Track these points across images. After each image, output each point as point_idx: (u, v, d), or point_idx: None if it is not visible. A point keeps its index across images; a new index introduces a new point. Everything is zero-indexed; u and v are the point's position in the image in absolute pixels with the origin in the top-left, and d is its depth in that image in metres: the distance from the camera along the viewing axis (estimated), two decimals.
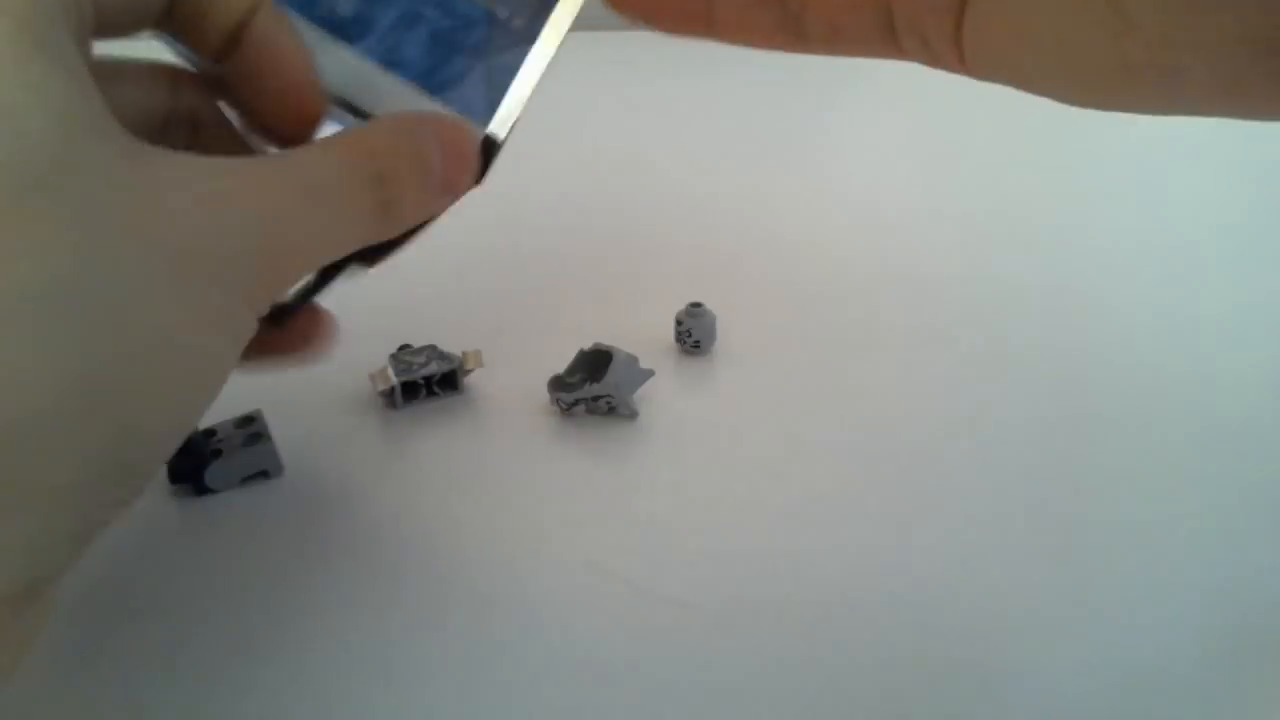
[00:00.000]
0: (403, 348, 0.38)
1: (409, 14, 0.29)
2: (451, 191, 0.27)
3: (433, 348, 0.37)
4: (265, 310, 0.23)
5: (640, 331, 0.40)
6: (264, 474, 0.34)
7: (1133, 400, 0.37)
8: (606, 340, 0.37)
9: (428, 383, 0.36)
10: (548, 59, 0.28)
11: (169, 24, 0.25)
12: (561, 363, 0.37)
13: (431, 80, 0.28)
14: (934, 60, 0.26)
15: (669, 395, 0.37)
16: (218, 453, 0.33)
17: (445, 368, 0.36)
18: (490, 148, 0.28)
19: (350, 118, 0.28)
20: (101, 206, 0.19)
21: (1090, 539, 0.31)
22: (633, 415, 0.36)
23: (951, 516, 0.32)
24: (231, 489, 0.33)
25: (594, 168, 0.55)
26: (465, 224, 0.46)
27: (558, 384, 0.36)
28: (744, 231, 0.48)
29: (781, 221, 0.49)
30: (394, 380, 0.36)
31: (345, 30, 0.28)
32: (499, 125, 0.28)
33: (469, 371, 0.37)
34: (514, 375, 0.38)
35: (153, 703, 0.27)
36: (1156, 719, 0.26)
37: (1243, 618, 0.29)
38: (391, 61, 0.28)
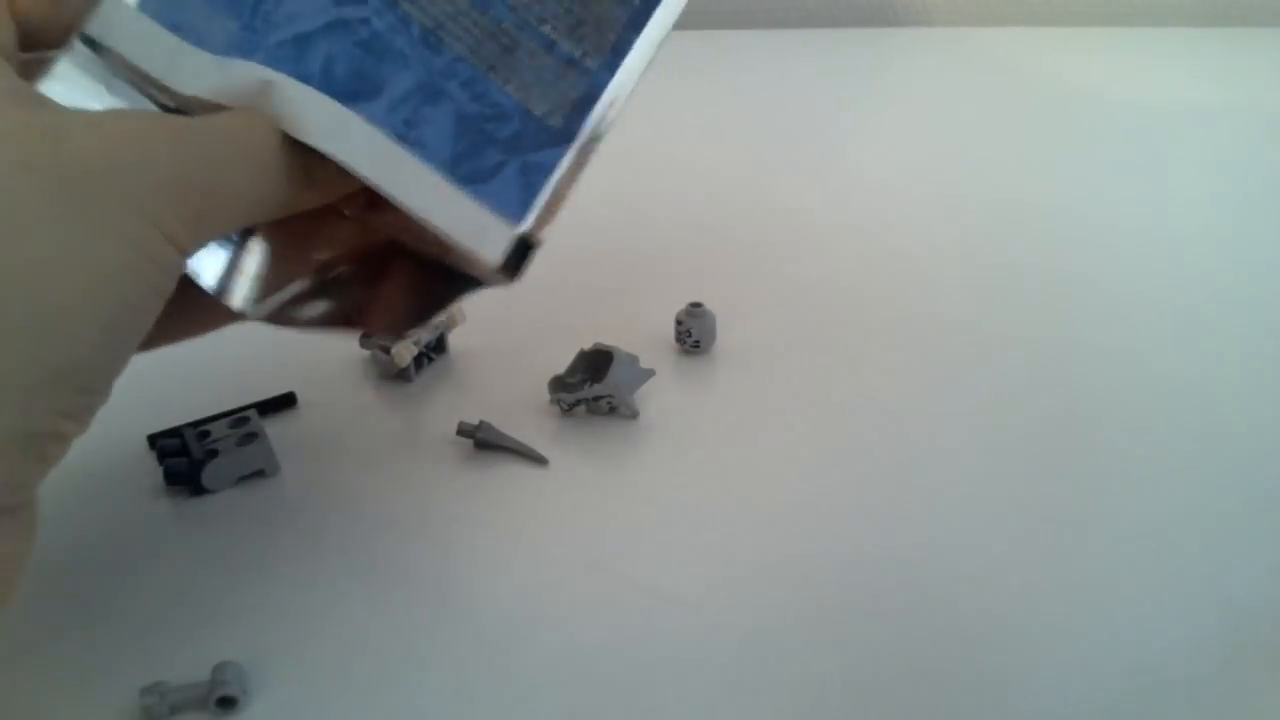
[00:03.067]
0: (366, 334, 0.39)
1: (429, 86, 0.25)
2: None
3: None
4: (192, 247, 0.23)
5: (640, 331, 0.40)
6: (260, 473, 0.33)
7: (1134, 401, 0.36)
8: (607, 340, 0.36)
9: (426, 350, 0.38)
10: (587, 160, 0.27)
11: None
12: (561, 363, 0.37)
13: (458, 170, 0.26)
14: None
15: (669, 395, 0.37)
16: (213, 453, 0.33)
17: (434, 334, 0.38)
18: (526, 250, 0.27)
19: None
20: None
21: (1092, 540, 0.31)
22: (633, 415, 0.36)
23: (952, 516, 0.32)
24: (228, 489, 0.33)
25: (594, 167, 0.55)
26: None
27: (558, 384, 0.36)
28: (744, 231, 0.48)
29: (782, 221, 0.48)
30: (414, 352, 0.37)
31: (344, 88, 0.25)
32: (535, 224, 0.26)
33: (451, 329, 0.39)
34: (514, 376, 0.38)
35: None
36: (1156, 719, 0.26)
37: (1243, 618, 0.28)
38: (407, 138, 0.25)
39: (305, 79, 0.25)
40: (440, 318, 0.39)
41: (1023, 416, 0.36)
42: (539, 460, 0.34)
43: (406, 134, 0.25)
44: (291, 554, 0.31)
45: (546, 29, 0.26)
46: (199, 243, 0.24)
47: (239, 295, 0.28)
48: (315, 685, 0.27)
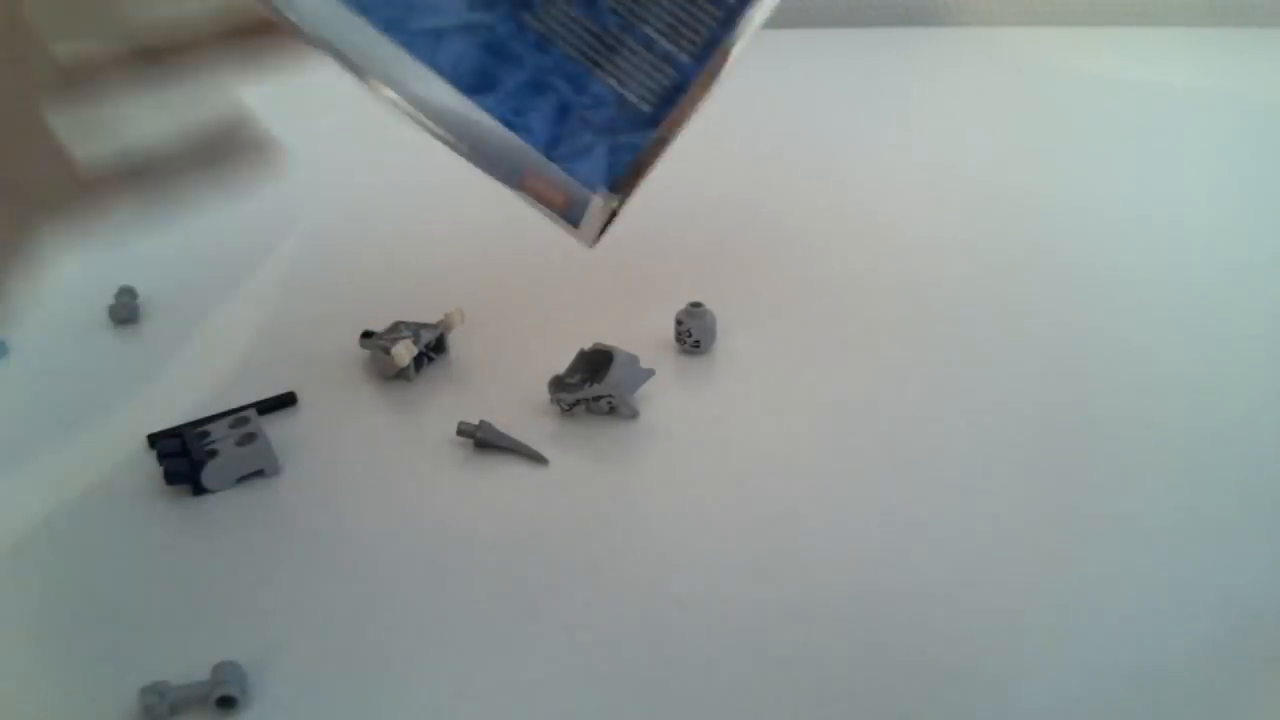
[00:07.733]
0: (366, 334, 0.39)
1: (536, 82, 0.30)
2: None
3: (401, 323, 0.39)
4: None
5: (640, 331, 0.40)
6: (260, 473, 0.33)
7: (1135, 401, 0.36)
8: (607, 340, 0.36)
9: (426, 350, 0.38)
10: (671, 142, 0.32)
11: None
12: (561, 363, 0.37)
13: (556, 150, 0.30)
14: None
15: (669, 395, 0.37)
16: (213, 453, 0.33)
17: (434, 334, 0.39)
18: (609, 216, 0.32)
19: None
20: None
21: (1091, 539, 0.31)
22: (633, 415, 0.36)
23: (952, 515, 0.32)
24: (228, 489, 0.33)
25: None
26: (467, 226, 0.46)
27: (558, 384, 0.36)
28: (744, 231, 0.48)
29: (782, 222, 0.48)
30: (414, 352, 0.37)
31: (469, 81, 0.30)
32: (617, 194, 0.31)
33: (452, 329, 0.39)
34: (514, 376, 0.38)
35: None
36: (1156, 719, 0.26)
37: (1242, 617, 0.28)
38: (514, 124, 0.30)
39: (437, 69, 0.30)
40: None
41: (1024, 415, 0.36)
42: (539, 460, 0.34)
43: (514, 120, 0.30)
44: (291, 554, 0.31)
45: (648, 29, 0.30)
46: None
47: None
48: (315, 685, 0.27)
